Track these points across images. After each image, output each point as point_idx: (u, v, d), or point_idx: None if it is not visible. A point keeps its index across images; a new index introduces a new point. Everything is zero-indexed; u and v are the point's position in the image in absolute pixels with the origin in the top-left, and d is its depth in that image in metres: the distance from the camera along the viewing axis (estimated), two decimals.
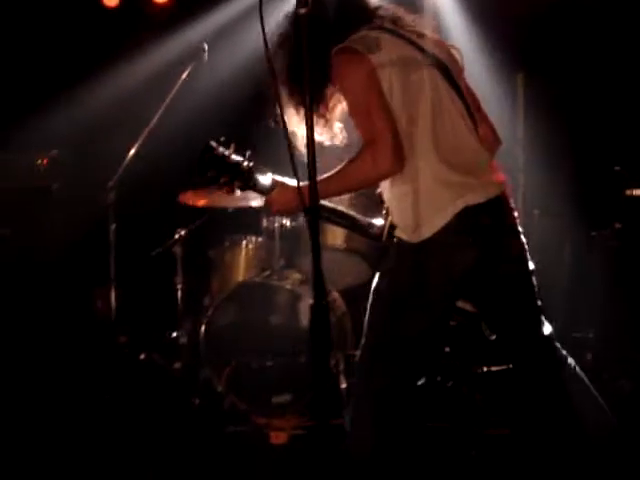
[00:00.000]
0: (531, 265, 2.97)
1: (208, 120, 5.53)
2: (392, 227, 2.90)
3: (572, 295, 5.14)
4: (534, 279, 2.97)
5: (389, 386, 2.85)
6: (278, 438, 4.25)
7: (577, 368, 3.00)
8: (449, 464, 3.95)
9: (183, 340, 4.96)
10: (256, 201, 4.94)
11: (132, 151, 4.71)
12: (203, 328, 4.69)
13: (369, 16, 2.91)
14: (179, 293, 5.02)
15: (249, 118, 6.01)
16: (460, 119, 2.85)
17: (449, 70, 2.89)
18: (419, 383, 3.19)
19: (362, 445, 2.86)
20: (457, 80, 2.91)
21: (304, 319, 4.67)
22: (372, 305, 2.90)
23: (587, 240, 5.12)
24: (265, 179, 2.93)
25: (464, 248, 2.79)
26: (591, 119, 5.43)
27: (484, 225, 2.80)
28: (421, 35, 2.91)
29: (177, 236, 4.98)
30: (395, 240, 2.88)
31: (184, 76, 4.71)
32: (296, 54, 2.73)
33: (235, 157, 2.89)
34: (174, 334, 5.01)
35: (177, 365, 4.88)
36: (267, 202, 2.96)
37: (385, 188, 2.90)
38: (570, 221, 5.16)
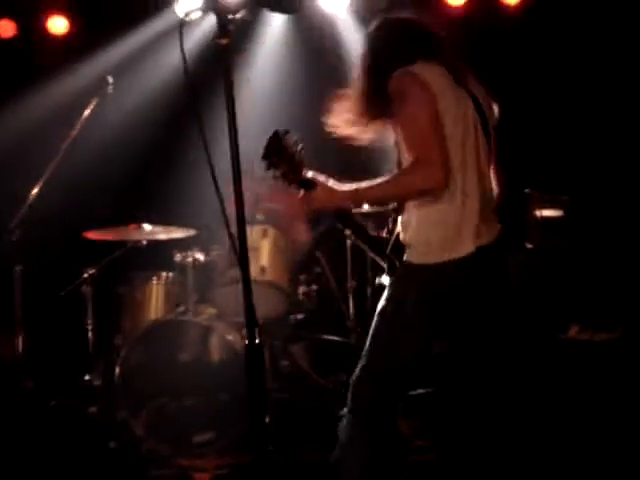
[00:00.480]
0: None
1: (114, 154, 5.41)
2: (397, 245, 3.06)
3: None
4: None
5: (388, 408, 3.06)
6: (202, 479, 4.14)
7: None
8: None
9: (97, 382, 4.78)
10: (164, 235, 4.86)
11: (36, 189, 4.55)
12: (117, 369, 4.54)
13: (431, 48, 3.05)
14: (90, 334, 4.84)
15: (158, 149, 6.02)
16: (488, 166, 3.05)
17: (486, 118, 3.06)
18: None
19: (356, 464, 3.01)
20: (490, 129, 3.08)
21: (219, 355, 4.59)
22: (377, 325, 3.05)
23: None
24: (308, 175, 3.00)
25: (463, 283, 2.96)
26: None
27: (485, 268, 2.99)
28: (469, 77, 3.08)
29: (85, 275, 4.81)
30: (402, 262, 3.04)
31: (88, 110, 4.58)
32: (374, 71, 3.04)
33: (293, 149, 2.96)
34: (87, 377, 4.82)
35: (92, 409, 4.69)
36: (309, 198, 2.99)
37: (410, 206, 3.01)
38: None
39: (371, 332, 3.06)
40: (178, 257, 4.89)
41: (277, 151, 2.90)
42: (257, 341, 2.29)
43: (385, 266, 3.13)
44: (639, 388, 4.57)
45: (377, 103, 3.03)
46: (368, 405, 3.03)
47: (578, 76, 5.67)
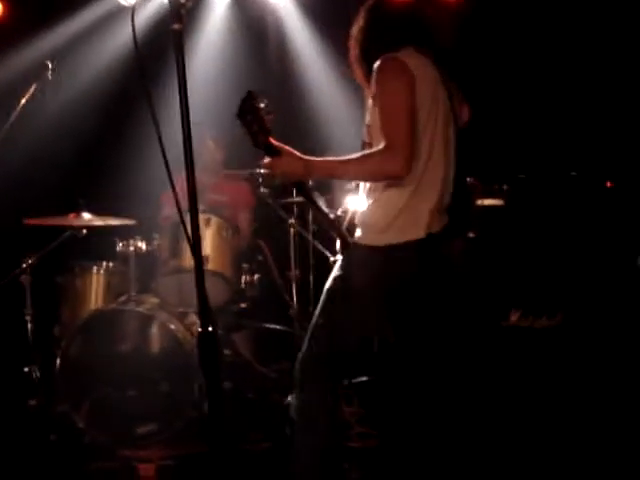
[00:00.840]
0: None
1: (54, 141, 5.31)
2: (351, 224, 3.12)
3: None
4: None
5: (335, 381, 3.15)
6: (147, 470, 4.10)
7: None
8: None
9: (36, 375, 4.69)
10: (103, 222, 4.80)
11: None
12: (58, 361, 4.46)
13: (421, 38, 3.08)
14: (29, 324, 4.74)
15: (99, 136, 5.93)
16: (454, 162, 3.11)
17: (456, 117, 3.13)
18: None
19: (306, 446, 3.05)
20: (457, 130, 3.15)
21: (162, 345, 4.55)
22: (325, 302, 3.07)
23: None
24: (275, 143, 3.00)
25: (411, 268, 2.99)
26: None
27: (434, 255, 3.05)
28: (448, 76, 3.11)
29: (25, 264, 4.72)
30: (353, 242, 3.07)
31: (27, 96, 4.48)
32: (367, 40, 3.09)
33: (264, 111, 2.96)
34: (26, 369, 4.72)
35: (32, 402, 4.59)
36: (271, 164, 2.99)
37: (368, 187, 3.06)
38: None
39: (318, 311, 3.09)
40: (120, 246, 4.82)
41: (250, 110, 2.90)
42: (210, 329, 2.24)
43: (338, 244, 3.14)
44: (579, 374, 4.66)
45: (365, 78, 3.10)
46: (312, 384, 3.07)
47: (518, 61, 5.74)
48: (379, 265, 2.99)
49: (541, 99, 5.71)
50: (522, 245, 5.02)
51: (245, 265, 5.19)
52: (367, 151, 3.00)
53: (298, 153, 2.99)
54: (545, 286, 4.90)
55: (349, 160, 2.97)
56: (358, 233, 3.07)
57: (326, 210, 3.17)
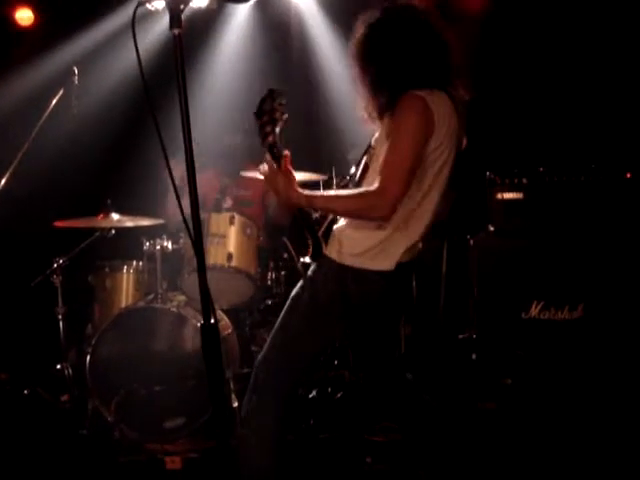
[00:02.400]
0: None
1: (81, 144, 5.43)
2: (328, 231, 3.12)
3: (453, 299, 5.29)
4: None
5: (290, 388, 3.17)
6: (173, 463, 4.19)
7: None
8: (347, 473, 4.01)
9: (68, 372, 4.82)
10: (132, 223, 4.91)
11: (3, 179, 4.57)
12: (88, 358, 4.58)
13: (447, 79, 3.02)
14: (61, 323, 4.88)
15: (125, 139, 6.04)
16: (442, 192, 3.08)
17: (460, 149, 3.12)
18: (311, 395, 3.33)
19: (263, 438, 3.08)
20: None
21: (190, 341, 4.64)
22: (289, 310, 3.13)
23: (463, 244, 5.26)
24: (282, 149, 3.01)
25: (380, 288, 3.06)
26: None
27: (398, 283, 3.13)
28: (462, 110, 3.08)
29: (56, 264, 4.85)
30: (325, 255, 3.08)
31: (54, 100, 4.60)
32: (383, 62, 2.98)
33: (280, 113, 2.96)
34: (58, 366, 4.86)
35: (64, 398, 4.75)
36: (265, 175, 3.03)
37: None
38: (446, 226, 5.30)
39: (281, 316, 3.15)
40: (147, 245, 4.93)
41: (268, 111, 2.92)
42: (212, 321, 2.32)
43: (310, 247, 3.15)
44: (600, 367, 4.66)
45: (378, 106, 3.05)
46: (266, 388, 3.09)
47: (537, 53, 5.73)
48: (346, 284, 3.03)
49: (560, 92, 5.69)
50: (542, 237, 5.03)
51: (271, 262, 5.27)
52: (359, 190, 3.02)
53: (294, 176, 2.99)
54: (566, 278, 4.90)
55: (339, 196, 3.01)
56: (333, 247, 3.09)
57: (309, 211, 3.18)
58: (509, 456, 3.98)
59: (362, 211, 2.92)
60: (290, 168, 2.98)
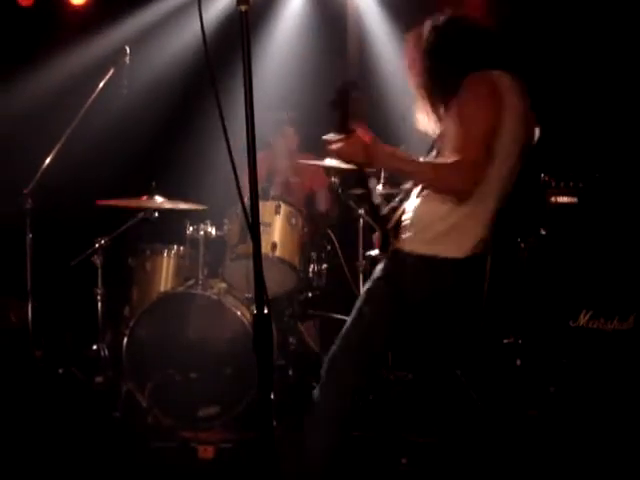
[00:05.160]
0: None
1: (129, 125, 5.40)
2: (398, 224, 3.04)
3: (501, 302, 5.18)
4: None
5: (355, 389, 3.09)
6: (206, 452, 4.14)
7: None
8: (381, 473, 3.93)
9: (104, 353, 4.80)
10: (175, 206, 4.87)
11: (50, 156, 4.55)
12: (125, 340, 4.54)
13: (508, 61, 3.01)
14: (99, 304, 4.86)
15: (172, 122, 6.01)
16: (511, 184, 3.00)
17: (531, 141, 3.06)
18: None
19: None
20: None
21: (228, 330, 4.58)
22: (364, 301, 3.06)
23: (514, 247, 5.16)
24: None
25: (450, 277, 2.95)
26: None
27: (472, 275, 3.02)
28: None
29: (97, 245, 4.82)
30: (397, 248, 3.02)
31: (105, 80, 4.57)
32: (441, 66, 2.99)
33: (354, 104, 3.19)
34: (94, 347, 4.83)
35: (98, 379, 4.72)
36: (335, 148, 2.97)
37: (426, 195, 2.99)
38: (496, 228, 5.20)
39: (354, 310, 3.09)
40: (190, 230, 4.87)
41: (341, 102, 2.97)
42: (266, 312, 2.24)
43: (379, 240, 3.13)
44: None
45: (438, 96, 3.01)
46: (336, 382, 3.06)
47: (593, 59, 5.62)
48: (421, 274, 2.97)
49: (617, 98, 5.56)
50: (595, 244, 4.91)
51: (313, 254, 5.19)
52: (441, 159, 2.92)
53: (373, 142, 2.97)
54: (618, 287, 4.78)
55: (422, 162, 2.95)
56: (406, 237, 3.02)
57: (378, 204, 3.17)
58: (547, 464, 3.89)
59: (443, 178, 2.84)
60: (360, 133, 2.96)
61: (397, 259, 3.02)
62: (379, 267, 3.11)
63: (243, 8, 2.24)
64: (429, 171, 2.89)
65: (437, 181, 2.87)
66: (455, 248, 2.93)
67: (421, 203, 3.00)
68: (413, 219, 3.01)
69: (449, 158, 2.81)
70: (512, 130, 2.88)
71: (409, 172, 2.98)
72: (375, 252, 3.14)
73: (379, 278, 3.07)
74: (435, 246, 2.93)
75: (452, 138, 2.85)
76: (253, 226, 2.22)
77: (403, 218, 3.05)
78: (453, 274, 2.95)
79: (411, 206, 3.05)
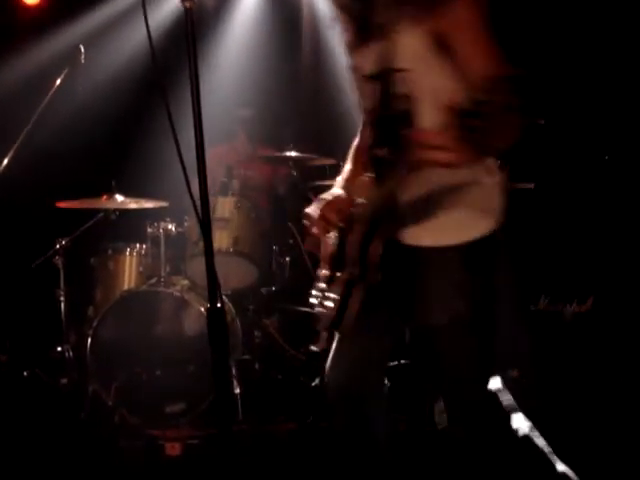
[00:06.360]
0: None
1: (86, 124, 5.38)
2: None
3: None
4: None
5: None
6: (173, 449, 4.14)
7: None
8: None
9: (68, 354, 4.78)
10: (136, 205, 4.86)
11: (6, 159, 4.52)
12: (89, 341, 4.53)
13: None
14: (62, 305, 4.84)
15: (130, 120, 5.99)
16: None
17: None
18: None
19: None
20: None
21: (192, 326, 4.60)
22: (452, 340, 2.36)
23: None
24: None
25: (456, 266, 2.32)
26: None
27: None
28: None
29: (58, 245, 4.80)
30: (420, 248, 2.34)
31: (60, 80, 4.54)
32: None
33: None
34: (59, 348, 4.81)
35: (63, 380, 4.70)
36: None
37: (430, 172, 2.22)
38: None
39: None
40: (150, 229, 4.87)
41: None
42: (219, 305, 2.26)
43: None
44: (609, 361, 4.60)
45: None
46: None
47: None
48: (474, 261, 2.32)
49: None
50: (552, 229, 4.96)
51: (275, 247, 5.21)
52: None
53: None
54: (575, 270, 4.83)
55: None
56: (420, 233, 2.33)
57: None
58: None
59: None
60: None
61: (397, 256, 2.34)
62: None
63: (187, 5, 2.26)
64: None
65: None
66: (482, 223, 2.33)
67: (425, 191, 2.30)
68: (431, 208, 2.32)
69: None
70: None
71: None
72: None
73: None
74: (434, 233, 2.32)
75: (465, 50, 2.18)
76: (204, 223, 2.24)
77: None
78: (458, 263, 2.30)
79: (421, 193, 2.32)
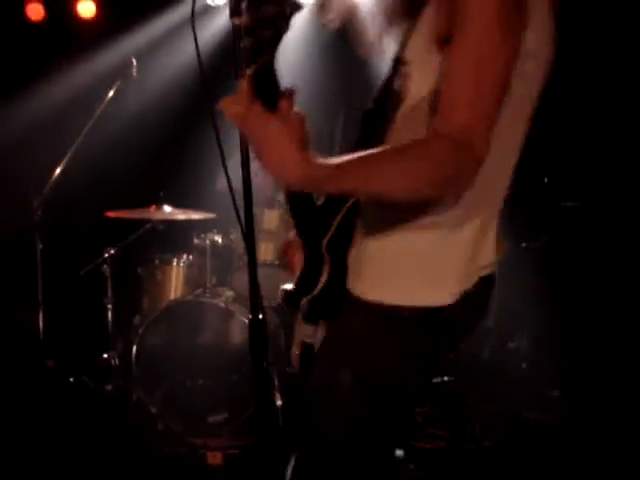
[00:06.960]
0: None
1: (136, 136, 5.47)
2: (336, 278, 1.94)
3: (505, 306, 5.19)
4: None
5: None
6: (214, 458, 4.17)
7: None
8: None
9: (114, 361, 4.86)
10: (183, 216, 4.92)
11: (59, 168, 4.62)
12: (134, 348, 4.59)
13: None
14: (109, 313, 4.92)
15: (179, 133, 6.07)
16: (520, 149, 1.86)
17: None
18: None
19: None
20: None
21: (236, 337, 4.64)
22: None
23: (517, 251, 5.17)
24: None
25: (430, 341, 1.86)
26: None
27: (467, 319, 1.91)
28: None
29: (106, 254, 4.88)
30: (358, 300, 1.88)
31: (112, 92, 4.64)
32: None
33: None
34: (105, 355, 4.89)
35: (108, 387, 4.78)
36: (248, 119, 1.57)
37: (383, 214, 1.83)
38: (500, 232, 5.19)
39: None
40: (197, 240, 4.94)
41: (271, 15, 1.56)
42: (260, 317, 2.29)
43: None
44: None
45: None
46: None
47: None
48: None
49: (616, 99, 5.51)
50: (597, 248, 4.93)
51: None
52: (412, 142, 1.60)
53: (306, 129, 1.66)
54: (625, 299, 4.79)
55: (388, 152, 1.60)
56: (356, 278, 1.90)
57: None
58: (552, 470, 3.91)
59: (444, 164, 1.54)
60: (298, 113, 1.63)
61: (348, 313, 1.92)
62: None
63: (237, 22, 2.29)
64: (411, 159, 1.55)
65: (435, 168, 1.55)
66: (438, 290, 1.80)
67: (381, 231, 1.83)
68: (374, 255, 1.87)
69: (443, 122, 1.59)
70: (536, 55, 1.69)
71: (372, 180, 1.56)
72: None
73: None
74: (403, 291, 1.83)
75: (441, 81, 1.63)
76: (247, 236, 2.26)
77: (352, 253, 1.93)
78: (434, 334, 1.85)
79: (366, 236, 1.88)
